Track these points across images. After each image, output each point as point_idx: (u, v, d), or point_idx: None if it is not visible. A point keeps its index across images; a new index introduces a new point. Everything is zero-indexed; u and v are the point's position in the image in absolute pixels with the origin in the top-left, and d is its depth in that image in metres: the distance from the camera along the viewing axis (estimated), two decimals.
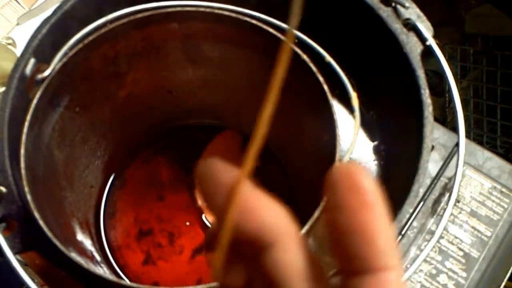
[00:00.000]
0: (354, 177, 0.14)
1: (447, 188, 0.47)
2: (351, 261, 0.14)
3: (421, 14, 0.40)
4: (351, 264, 0.14)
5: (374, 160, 0.47)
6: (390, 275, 0.14)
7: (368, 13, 0.41)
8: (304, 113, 0.42)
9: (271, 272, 0.15)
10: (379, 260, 0.14)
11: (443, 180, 0.48)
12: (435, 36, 0.40)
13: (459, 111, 0.38)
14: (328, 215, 0.15)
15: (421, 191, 0.47)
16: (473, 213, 0.48)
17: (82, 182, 0.46)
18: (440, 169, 0.48)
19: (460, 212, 0.48)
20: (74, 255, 0.32)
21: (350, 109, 0.38)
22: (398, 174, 0.43)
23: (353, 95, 0.38)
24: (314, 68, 0.37)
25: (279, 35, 0.38)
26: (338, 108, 0.44)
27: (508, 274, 0.47)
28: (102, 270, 0.43)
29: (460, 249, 0.47)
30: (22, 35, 0.65)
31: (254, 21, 0.38)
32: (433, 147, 0.38)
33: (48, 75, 0.36)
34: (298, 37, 0.42)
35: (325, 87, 0.36)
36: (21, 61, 0.37)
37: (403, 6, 0.40)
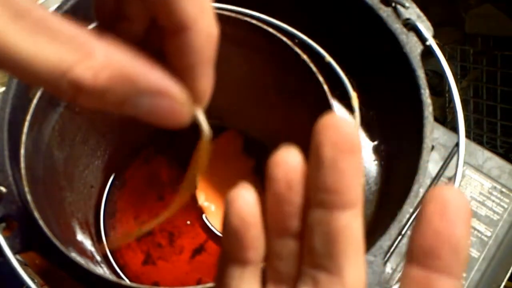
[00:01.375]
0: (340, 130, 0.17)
1: None
2: (326, 194, 0.17)
3: (421, 14, 0.40)
4: (329, 198, 0.17)
5: (374, 160, 0.47)
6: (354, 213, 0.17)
7: (368, 13, 0.41)
8: (304, 113, 0.42)
9: None
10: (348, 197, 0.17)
11: (443, 180, 0.48)
12: (435, 36, 0.40)
13: (459, 111, 0.38)
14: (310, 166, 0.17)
15: (421, 191, 0.46)
16: (473, 213, 0.48)
17: (82, 182, 0.46)
18: (440, 169, 0.48)
19: None
20: (74, 255, 0.32)
21: (350, 109, 0.38)
22: (398, 174, 0.43)
23: (353, 95, 0.38)
24: (314, 68, 0.37)
25: (279, 35, 0.38)
26: (338, 108, 0.45)
27: (508, 274, 0.47)
28: (102, 270, 0.43)
29: None
30: None
31: (254, 21, 0.38)
32: (433, 147, 0.38)
33: None
34: (298, 37, 0.42)
35: (325, 87, 0.36)
36: None
37: (403, 6, 0.40)
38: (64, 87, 0.15)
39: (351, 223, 0.17)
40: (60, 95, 0.16)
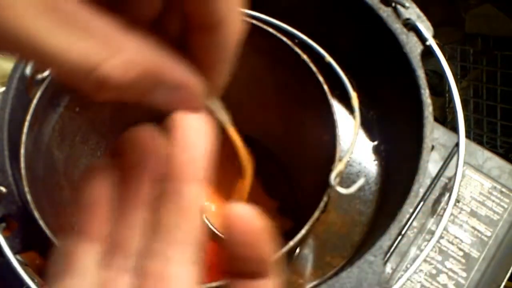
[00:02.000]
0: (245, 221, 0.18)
1: (447, 188, 0.47)
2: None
3: (421, 14, 0.40)
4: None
5: (374, 160, 0.47)
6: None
7: (368, 13, 0.41)
8: (304, 113, 0.42)
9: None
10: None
11: (443, 180, 0.48)
12: (435, 36, 0.40)
13: (459, 111, 0.38)
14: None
15: (421, 191, 0.47)
16: (473, 213, 0.48)
17: None
18: (440, 169, 0.48)
19: (460, 212, 0.48)
20: None
21: (350, 109, 0.38)
22: (398, 174, 0.43)
23: (353, 95, 0.38)
24: (314, 68, 0.37)
25: (279, 35, 0.38)
26: (338, 108, 0.44)
27: (508, 274, 0.47)
28: None
29: (460, 249, 0.47)
30: None
31: (254, 21, 0.38)
32: (433, 147, 0.38)
33: (48, 75, 0.36)
34: (298, 37, 0.42)
35: (325, 87, 0.36)
36: (21, 61, 0.37)
37: (403, 6, 0.40)
38: (90, 81, 0.15)
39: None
40: (82, 87, 0.16)
